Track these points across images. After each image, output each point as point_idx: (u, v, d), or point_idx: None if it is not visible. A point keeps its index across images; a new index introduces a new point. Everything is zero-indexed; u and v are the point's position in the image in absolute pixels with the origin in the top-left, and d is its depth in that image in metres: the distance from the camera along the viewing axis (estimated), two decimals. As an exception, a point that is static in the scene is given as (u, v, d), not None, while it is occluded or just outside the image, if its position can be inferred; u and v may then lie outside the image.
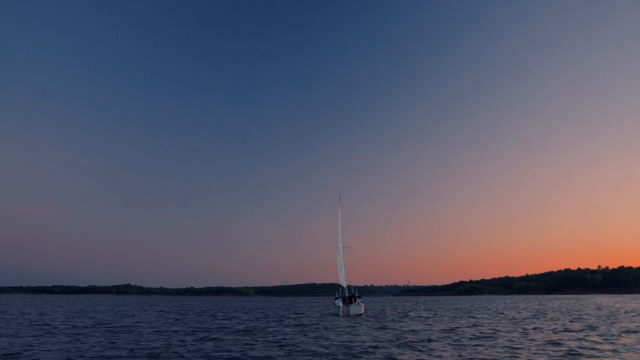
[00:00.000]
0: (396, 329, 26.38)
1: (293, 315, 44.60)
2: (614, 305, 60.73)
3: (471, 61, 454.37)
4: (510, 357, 14.92)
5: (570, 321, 31.41)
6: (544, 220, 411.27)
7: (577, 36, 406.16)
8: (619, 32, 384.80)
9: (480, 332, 23.79)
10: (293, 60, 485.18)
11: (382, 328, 27.27)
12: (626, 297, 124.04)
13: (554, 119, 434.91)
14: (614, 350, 16.20)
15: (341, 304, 44.79)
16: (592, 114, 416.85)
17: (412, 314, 46.31)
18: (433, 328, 26.93)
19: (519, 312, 45.49)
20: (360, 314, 44.34)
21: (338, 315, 43.93)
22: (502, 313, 44.82)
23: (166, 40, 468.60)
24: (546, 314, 41.95)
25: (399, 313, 48.17)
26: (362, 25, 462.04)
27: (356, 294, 48.38)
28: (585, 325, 27.40)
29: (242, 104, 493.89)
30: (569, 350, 16.33)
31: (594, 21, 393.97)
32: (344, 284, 48.99)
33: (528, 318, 35.70)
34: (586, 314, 39.72)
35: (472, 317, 38.63)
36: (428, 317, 39.90)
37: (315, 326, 29.62)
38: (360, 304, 45.50)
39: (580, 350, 16.22)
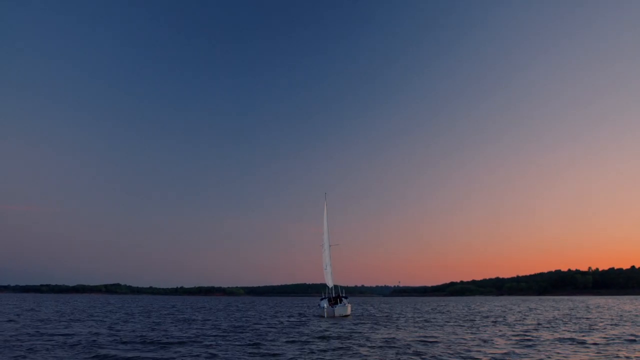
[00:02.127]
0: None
1: (265, 317, 42.71)
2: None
3: (462, 64, 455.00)
4: None
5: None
6: (535, 221, 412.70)
7: (568, 38, 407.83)
8: (607, 34, 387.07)
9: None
10: (285, 62, 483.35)
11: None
12: (618, 299, 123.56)
13: (544, 119, 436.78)
14: None
15: (325, 305, 42.93)
16: (582, 115, 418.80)
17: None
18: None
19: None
20: (346, 315, 42.59)
21: (322, 316, 42.14)
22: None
23: (163, 40, 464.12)
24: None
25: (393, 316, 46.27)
26: (354, 29, 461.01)
27: (342, 295, 46.57)
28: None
29: (235, 105, 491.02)
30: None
31: (584, 23, 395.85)
32: (330, 284, 47.07)
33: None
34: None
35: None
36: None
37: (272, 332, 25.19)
38: (347, 304, 43.71)
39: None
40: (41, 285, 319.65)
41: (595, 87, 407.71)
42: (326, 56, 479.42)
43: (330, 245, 47.15)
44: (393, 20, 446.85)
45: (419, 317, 40.22)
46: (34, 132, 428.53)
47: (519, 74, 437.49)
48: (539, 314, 43.75)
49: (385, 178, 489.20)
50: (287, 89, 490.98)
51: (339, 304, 43.12)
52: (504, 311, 51.88)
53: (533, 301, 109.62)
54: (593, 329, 26.17)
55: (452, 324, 31.94)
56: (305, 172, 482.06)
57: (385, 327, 29.02)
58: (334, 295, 46.29)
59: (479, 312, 49.63)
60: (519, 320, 34.73)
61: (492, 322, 33.59)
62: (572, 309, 54.35)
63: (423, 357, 15.58)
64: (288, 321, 35.47)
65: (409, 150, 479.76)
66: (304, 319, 39.70)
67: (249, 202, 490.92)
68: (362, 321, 34.62)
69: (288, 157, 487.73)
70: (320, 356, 15.70)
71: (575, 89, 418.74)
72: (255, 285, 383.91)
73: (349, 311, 43.95)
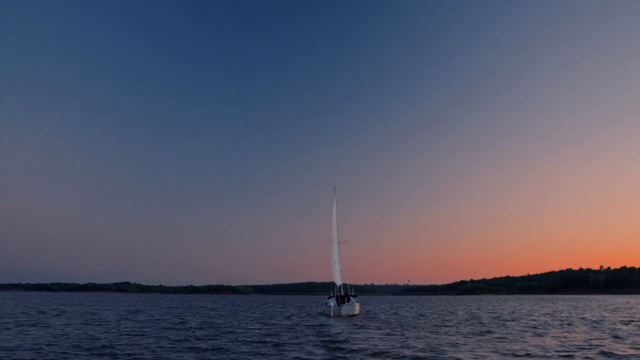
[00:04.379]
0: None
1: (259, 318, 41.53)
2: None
3: (471, 62, 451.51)
4: None
5: None
6: (546, 220, 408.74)
7: (574, 38, 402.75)
8: (613, 34, 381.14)
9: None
10: (293, 59, 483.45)
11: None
12: (637, 298, 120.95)
13: (555, 117, 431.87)
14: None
15: (332, 304, 41.74)
16: (594, 113, 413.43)
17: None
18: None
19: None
20: (354, 315, 41.40)
21: (329, 316, 40.99)
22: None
23: (169, 38, 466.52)
24: None
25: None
26: (362, 26, 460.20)
27: (351, 293, 45.36)
28: None
29: (242, 103, 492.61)
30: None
31: (589, 23, 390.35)
32: (339, 282, 45.67)
33: None
34: None
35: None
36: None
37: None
38: (354, 303, 42.47)
39: None
40: (51, 284, 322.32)
41: (609, 84, 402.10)
42: (336, 54, 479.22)
43: (339, 242, 46.04)
44: (402, 19, 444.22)
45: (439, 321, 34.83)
46: (48, 132, 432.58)
47: (529, 71, 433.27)
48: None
49: (394, 176, 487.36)
50: (295, 87, 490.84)
51: (346, 303, 41.92)
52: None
53: (554, 300, 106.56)
54: None
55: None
56: (314, 171, 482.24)
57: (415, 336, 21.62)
58: (342, 294, 45.13)
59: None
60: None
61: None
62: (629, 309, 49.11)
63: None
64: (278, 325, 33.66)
65: (419, 148, 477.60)
66: (293, 319, 38.49)
67: (259, 201, 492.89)
68: (371, 324, 33.17)
69: (297, 156, 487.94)
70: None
71: (587, 85, 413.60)
72: (264, 283, 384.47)
73: (357, 311, 42.73)
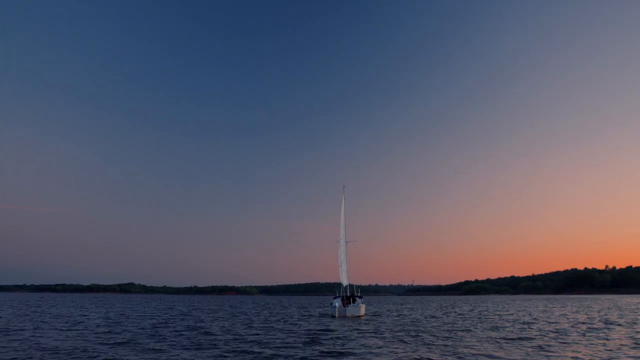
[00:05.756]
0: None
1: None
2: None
3: (477, 61, 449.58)
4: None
5: None
6: (551, 220, 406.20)
7: (580, 37, 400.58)
8: (620, 34, 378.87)
9: None
10: (297, 58, 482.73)
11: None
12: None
13: (560, 117, 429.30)
14: None
15: (337, 304, 41.35)
16: (599, 113, 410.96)
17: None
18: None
19: None
20: (360, 316, 41.01)
21: (334, 316, 40.60)
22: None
23: (169, 38, 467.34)
24: None
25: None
26: (367, 24, 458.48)
27: (357, 294, 44.99)
28: None
29: (245, 102, 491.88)
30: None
31: (595, 23, 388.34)
32: (345, 282, 45.23)
33: None
34: None
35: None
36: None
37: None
38: (360, 304, 42.11)
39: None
40: (56, 285, 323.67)
41: (613, 85, 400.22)
42: (341, 52, 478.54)
43: (347, 242, 45.54)
44: (405, 18, 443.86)
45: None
46: (52, 134, 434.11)
47: (535, 72, 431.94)
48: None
49: (398, 176, 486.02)
50: (300, 86, 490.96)
51: (351, 304, 41.58)
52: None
53: (563, 301, 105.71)
54: None
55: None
56: (317, 171, 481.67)
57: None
58: (348, 295, 44.76)
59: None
60: None
61: None
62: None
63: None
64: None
65: (424, 148, 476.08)
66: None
67: (262, 201, 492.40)
68: (374, 327, 32.50)
69: (299, 156, 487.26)
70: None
71: (593, 86, 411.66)
72: (268, 284, 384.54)
73: (362, 312, 42.38)
